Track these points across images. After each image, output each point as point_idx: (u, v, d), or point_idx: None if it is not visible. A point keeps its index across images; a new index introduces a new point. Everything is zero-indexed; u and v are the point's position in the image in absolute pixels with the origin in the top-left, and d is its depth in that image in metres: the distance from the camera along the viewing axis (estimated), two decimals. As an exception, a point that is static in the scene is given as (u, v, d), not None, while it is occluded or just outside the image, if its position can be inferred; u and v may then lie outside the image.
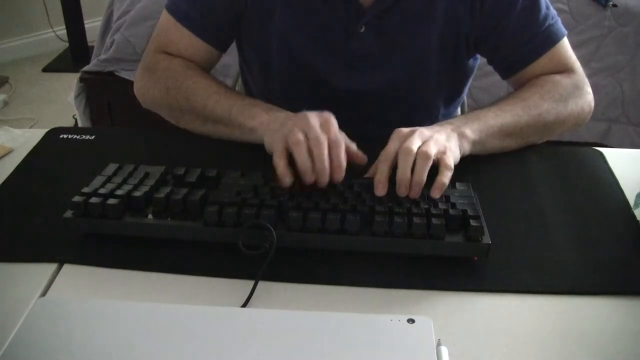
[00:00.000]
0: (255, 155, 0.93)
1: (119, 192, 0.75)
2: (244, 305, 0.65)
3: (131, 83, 1.06)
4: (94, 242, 0.74)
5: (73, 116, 2.41)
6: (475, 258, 0.71)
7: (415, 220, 0.71)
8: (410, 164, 0.74)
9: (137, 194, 0.75)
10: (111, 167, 0.81)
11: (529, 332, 0.63)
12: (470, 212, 0.72)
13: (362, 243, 0.71)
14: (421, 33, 0.97)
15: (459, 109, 1.26)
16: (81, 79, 2.05)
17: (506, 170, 0.90)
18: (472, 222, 0.71)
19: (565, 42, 0.99)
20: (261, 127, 0.87)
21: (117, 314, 0.58)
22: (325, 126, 0.77)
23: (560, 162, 0.92)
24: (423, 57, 1.00)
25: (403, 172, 0.74)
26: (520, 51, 0.98)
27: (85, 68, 2.06)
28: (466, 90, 1.16)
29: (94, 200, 0.73)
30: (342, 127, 1.04)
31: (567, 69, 0.99)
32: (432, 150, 0.76)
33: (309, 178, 0.75)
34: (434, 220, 0.71)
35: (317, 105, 1.05)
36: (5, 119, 2.60)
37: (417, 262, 0.71)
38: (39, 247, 0.73)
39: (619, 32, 1.87)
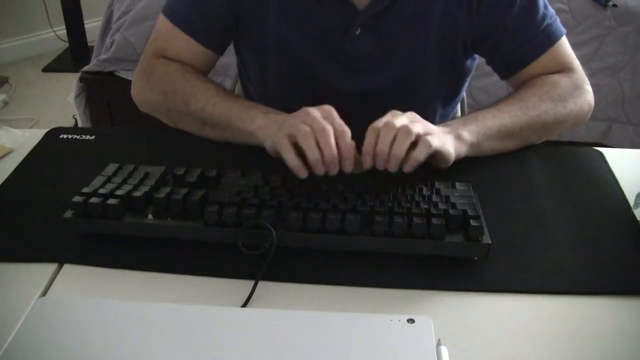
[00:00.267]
0: (255, 155, 0.93)
1: (119, 192, 0.75)
2: (244, 305, 0.65)
3: (131, 83, 1.06)
4: (94, 242, 0.74)
5: (73, 116, 2.41)
6: (475, 258, 0.71)
7: (415, 220, 0.71)
8: (391, 138, 0.75)
9: (137, 194, 0.75)
10: (111, 167, 0.81)
11: (529, 332, 0.63)
12: (470, 212, 0.72)
13: (362, 243, 0.71)
14: (417, 35, 0.97)
15: (458, 109, 1.26)
16: (81, 79, 2.05)
17: (506, 170, 0.90)
18: (472, 222, 0.71)
19: (564, 42, 0.99)
20: (260, 130, 0.87)
21: (117, 314, 0.58)
22: (328, 118, 0.78)
23: (560, 162, 0.92)
24: (420, 59, 0.99)
25: (382, 144, 0.75)
26: (519, 51, 0.98)
27: (85, 68, 2.06)
28: (464, 90, 1.15)
29: (94, 200, 0.73)
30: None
31: (566, 68, 0.99)
32: (416, 128, 0.76)
33: (319, 169, 0.76)
34: (434, 220, 0.71)
35: (312, 101, 1.05)
36: (5, 119, 2.60)
37: (417, 262, 0.71)
38: (39, 247, 0.73)
39: (619, 32, 1.87)
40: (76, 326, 0.56)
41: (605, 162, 0.92)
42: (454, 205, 0.74)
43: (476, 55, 1.07)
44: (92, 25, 3.01)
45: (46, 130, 0.99)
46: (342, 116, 0.99)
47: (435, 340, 0.55)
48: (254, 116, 0.89)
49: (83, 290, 0.68)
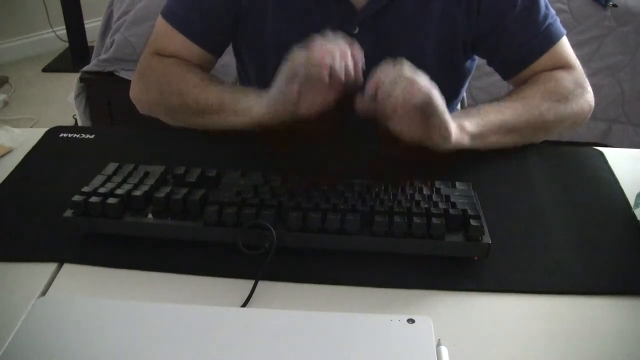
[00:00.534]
0: (255, 155, 0.93)
1: (118, 191, 0.75)
2: (244, 305, 0.65)
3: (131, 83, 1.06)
4: (94, 241, 0.74)
5: (73, 116, 2.41)
6: (475, 258, 0.71)
7: (415, 220, 0.71)
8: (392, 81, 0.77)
9: (137, 193, 0.75)
10: (111, 167, 0.81)
11: (529, 332, 0.63)
12: (470, 212, 0.72)
13: (362, 243, 0.71)
14: (416, 34, 0.97)
15: (458, 108, 1.26)
16: (81, 79, 2.05)
17: (506, 170, 0.90)
18: (472, 222, 0.71)
19: (564, 41, 0.99)
20: (258, 99, 0.89)
21: (117, 314, 0.58)
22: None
23: (560, 162, 0.92)
24: (419, 58, 0.99)
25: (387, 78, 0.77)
26: (520, 51, 0.98)
27: (85, 68, 2.06)
28: (464, 91, 1.15)
29: (93, 199, 0.73)
30: (334, 126, 1.04)
31: (567, 67, 0.99)
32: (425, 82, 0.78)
33: (342, 75, 0.78)
34: (434, 220, 0.71)
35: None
36: (5, 119, 2.60)
37: (417, 262, 0.71)
38: (38, 247, 0.73)
39: (619, 32, 1.87)
40: (76, 326, 0.56)
41: (605, 162, 0.92)
42: (454, 205, 0.74)
43: (476, 56, 1.07)
44: (92, 25, 3.01)
45: (46, 129, 0.99)
46: (340, 114, 0.99)
47: (435, 340, 0.55)
48: (249, 93, 0.91)
49: (83, 290, 0.68)
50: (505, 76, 1.04)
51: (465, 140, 0.85)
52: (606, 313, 0.66)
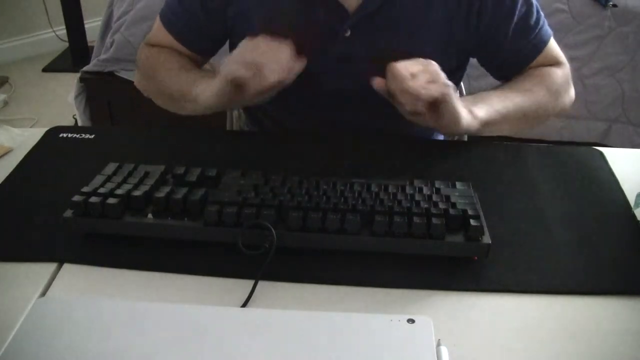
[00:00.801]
0: (255, 154, 0.93)
1: (118, 191, 0.75)
2: (244, 305, 0.65)
3: (131, 83, 1.07)
4: (94, 241, 0.74)
5: (73, 116, 2.41)
6: (475, 258, 0.71)
7: (415, 220, 0.71)
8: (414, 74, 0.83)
9: (137, 193, 0.75)
10: (111, 167, 0.81)
11: (529, 332, 0.63)
12: (470, 212, 0.72)
13: (362, 243, 0.71)
14: (409, 39, 0.97)
15: None
16: (81, 79, 2.05)
17: (506, 170, 0.90)
18: (472, 222, 0.71)
19: (553, 41, 1.03)
20: (206, 86, 0.90)
21: (117, 314, 0.58)
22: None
23: (560, 162, 0.92)
24: None
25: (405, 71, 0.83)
26: (518, 56, 1.01)
27: (85, 68, 2.06)
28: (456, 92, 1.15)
29: (93, 199, 0.73)
30: (331, 126, 1.05)
31: (558, 64, 1.03)
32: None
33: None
34: (434, 220, 0.71)
35: (306, 105, 1.05)
36: (5, 119, 2.60)
37: (417, 262, 0.71)
38: (39, 247, 0.73)
39: (619, 32, 1.87)
40: (76, 326, 0.56)
41: (605, 162, 0.92)
42: (454, 205, 0.74)
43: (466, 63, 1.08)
44: (92, 25, 3.01)
45: (46, 129, 0.99)
46: (333, 115, 0.99)
47: (435, 340, 0.55)
48: (199, 79, 0.94)
49: (83, 290, 0.68)
50: (500, 77, 1.07)
51: (474, 126, 0.88)
52: (606, 313, 0.66)
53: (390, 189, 0.77)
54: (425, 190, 0.77)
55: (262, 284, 0.67)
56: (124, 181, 0.78)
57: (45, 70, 3.16)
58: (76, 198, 0.74)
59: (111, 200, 0.73)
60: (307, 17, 0.96)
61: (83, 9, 3.07)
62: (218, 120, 1.42)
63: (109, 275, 0.70)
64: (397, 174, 0.81)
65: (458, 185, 0.79)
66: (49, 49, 3.28)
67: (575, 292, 0.68)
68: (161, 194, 0.74)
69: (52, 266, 0.71)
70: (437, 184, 0.79)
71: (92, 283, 0.69)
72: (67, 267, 0.71)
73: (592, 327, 0.64)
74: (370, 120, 1.05)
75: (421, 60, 0.85)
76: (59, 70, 3.13)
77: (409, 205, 0.73)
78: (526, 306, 0.66)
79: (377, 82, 0.87)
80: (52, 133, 0.98)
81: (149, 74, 1.03)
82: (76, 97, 2.07)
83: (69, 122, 2.44)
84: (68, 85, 2.32)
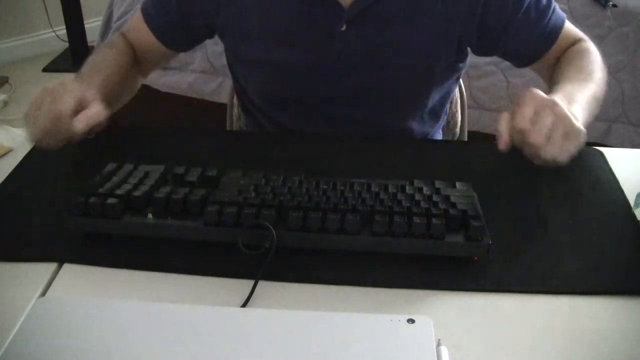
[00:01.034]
0: (255, 154, 0.93)
1: (118, 191, 0.75)
2: (244, 305, 0.65)
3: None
4: (94, 242, 0.74)
5: (73, 116, 2.41)
6: (476, 258, 0.71)
7: (415, 220, 0.71)
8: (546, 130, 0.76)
9: (137, 193, 0.75)
10: (111, 167, 0.81)
11: (529, 332, 0.63)
12: (470, 212, 0.72)
13: (362, 243, 0.71)
14: (405, 33, 0.97)
15: (458, 109, 1.26)
16: (81, 79, 2.04)
17: (506, 170, 0.90)
18: (473, 222, 0.71)
19: (568, 22, 1.03)
20: None
21: (117, 314, 0.58)
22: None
23: (560, 162, 0.92)
24: (406, 57, 0.99)
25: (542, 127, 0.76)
26: (535, 43, 1.01)
27: (85, 68, 2.05)
28: (455, 88, 1.14)
29: (93, 199, 0.73)
30: (328, 122, 1.04)
31: (578, 39, 1.03)
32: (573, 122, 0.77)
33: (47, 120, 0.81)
34: (434, 220, 0.71)
35: (303, 102, 1.05)
36: (5, 119, 2.60)
37: (417, 262, 0.71)
38: (39, 247, 0.73)
39: (619, 32, 1.87)
40: (76, 326, 0.56)
41: (605, 162, 0.92)
42: (454, 205, 0.74)
43: (468, 57, 1.07)
44: (92, 25, 3.01)
45: (46, 130, 0.99)
46: (329, 112, 0.98)
47: (435, 340, 0.55)
48: None
49: (83, 290, 0.68)
50: (521, 65, 1.06)
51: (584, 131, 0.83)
52: (606, 313, 0.66)
53: (390, 189, 0.77)
54: (425, 190, 0.77)
55: (262, 284, 0.67)
56: (124, 181, 0.78)
57: (45, 70, 3.16)
58: (76, 198, 0.74)
59: (111, 201, 0.73)
60: (304, 13, 0.96)
61: (83, 9, 3.07)
62: (218, 120, 1.42)
63: (109, 275, 0.70)
64: (397, 174, 0.81)
65: (458, 185, 0.79)
66: (49, 49, 3.28)
67: (575, 292, 0.68)
68: (161, 194, 0.74)
69: (52, 266, 0.71)
70: (437, 184, 0.79)
71: (92, 283, 0.69)
72: (67, 267, 0.71)
73: (592, 327, 0.64)
74: (368, 116, 1.05)
75: (540, 99, 0.78)
76: (59, 70, 3.13)
77: (409, 205, 0.73)
78: (526, 306, 0.66)
79: (502, 144, 0.79)
80: (52, 133, 0.98)
81: (91, 64, 1.01)
82: (76, 97, 2.06)
83: (69, 122, 2.44)
84: (68, 85, 2.31)
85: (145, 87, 1.59)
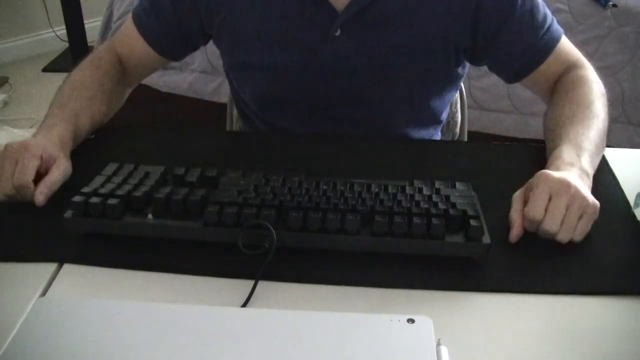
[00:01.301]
0: (255, 155, 0.93)
1: (118, 192, 0.75)
2: (244, 305, 0.65)
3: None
4: (94, 242, 0.74)
5: (73, 116, 2.41)
6: (476, 258, 0.71)
7: (415, 220, 0.71)
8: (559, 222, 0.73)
9: (137, 193, 0.75)
10: (111, 167, 0.81)
11: (529, 332, 0.63)
12: (470, 212, 0.72)
13: (362, 243, 0.71)
14: (400, 38, 0.96)
15: (458, 110, 1.25)
16: (81, 79, 2.04)
17: (506, 170, 0.90)
18: (472, 222, 0.71)
19: (565, 38, 1.00)
20: None
21: (117, 314, 0.58)
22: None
23: (560, 162, 0.91)
24: (402, 62, 0.99)
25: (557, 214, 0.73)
26: (527, 55, 0.98)
27: (85, 68, 2.05)
28: (454, 93, 1.13)
29: (94, 200, 0.73)
30: (322, 127, 1.04)
31: (575, 63, 1.00)
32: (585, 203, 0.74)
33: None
34: (434, 220, 0.71)
35: (295, 105, 1.05)
36: (5, 119, 2.60)
37: (417, 262, 0.71)
38: (39, 247, 0.73)
39: (619, 32, 1.87)
40: (76, 326, 0.56)
41: (606, 162, 0.92)
42: (454, 205, 0.74)
43: (466, 63, 1.06)
44: (92, 25, 3.01)
45: (46, 130, 0.99)
46: (322, 114, 0.97)
47: (435, 340, 0.55)
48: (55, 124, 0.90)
49: (83, 290, 0.68)
50: (512, 80, 1.04)
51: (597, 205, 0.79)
52: (606, 313, 0.66)
53: (390, 189, 0.77)
54: (425, 191, 0.77)
55: (262, 284, 0.67)
56: (124, 181, 0.78)
57: (45, 70, 3.16)
58: (76, 198, 0.74)
59: (111, 201, 0.73)
60: (298, 17, 0.96)
61: (83, 9, 3.07)
62: (218, 120, 1.42)
63: (109, 275, 0.70)
64: (397, 174, 0.81)
65: (458, 185, 0.79)
66: (49, 49, 3.28)
67: (575, 292, 0.68)
68: (161, 194, 0.74)
69: (52, 266, 0.71)
70: (437, 184, 0.79)
71: (92, 283, 0.69)
72: (67, 267, 0.71)
73: (592, 327, 0.64)
74: (364, 119, 1.04)
75: (552, 183, 0.74)
76: (59, 70, 3.12)
77: (408, 205, 0.73)
78: (526, 306, 0.66)
79: (514, 237, 0.75)
80: (52, 133, 0.98)
81: (71, 82, 0.99)
82: (76, 97, 2.06)
83: (69, 122, 2.44)
84: (68, 85, 2.31)
85: (145, 87, 1.59)
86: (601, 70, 1.00)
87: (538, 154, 0.93)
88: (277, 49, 0.99)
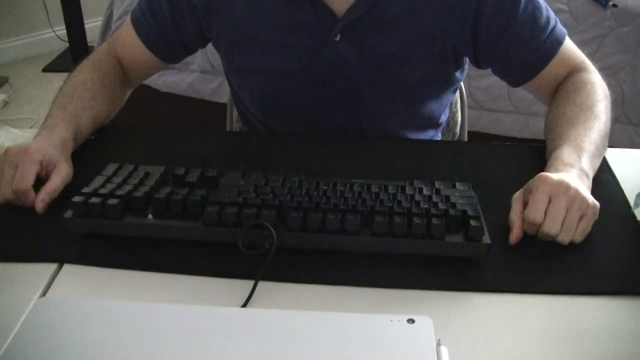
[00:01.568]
0: (255, 155, 0.93)
1: (119, 192, 0.75)
2: (244, 305, 0.65)
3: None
4: (94, 242, 0.74)
5: (73, 116, 2.41)
6: (475, 258, 0.71)
7: (415, 220, 0.71)
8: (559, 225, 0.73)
9: (137, 194, 0.75)
10: (111, 167, 0.81)
11: (529, 332, 0.63)
12: (470, 212, 0.72)
13: (362, 243, 0.71)
14: (400, 42, 0.96)
15: (445, 115, 1.25)
16: (81, 79, 2.04)
17: (506, 170, 0.90)
18: (472, 222, 0.71)
19: (569, 41, 0.99)
20: None
21: (117, 314, 0.58)
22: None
23: (560, 162, 0.91)
24: (402, 66, 0.98)
25: (556, 216, 0.73)
26: (530, 58, 0.97)
27: (85, 68, 2.05)
28: (452, 97, 1.13)
29: (94, 200, 0.73)
30: (321, 130, 1.04)
31: (578, 66, 0.99)
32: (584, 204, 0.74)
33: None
34: (434, 220, 0.71)
35: (295, 109, 1.05)
36: (5, 119, 2.60)
37: (417, 262, 0.71)
38: (39, 247, 0.73)
39: (619, 32, 1.87)
40: (76, 326, 0.56)
41: (606, 162, 0.92)
42: (454, 205, 0.74)
43: (466, 66, 1.06)
44: (92, 25, 3.00)
45: (46, 130, 0.99)
46: (321, 117, 0.97)
47: (435, 340, 0.55)
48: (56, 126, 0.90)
49: (83, 290, 0.68)
50: (515, 84, 1.03)
51: (589, 186, 0.81)
52: (606, 313, 0.66)
53: (390, 190, 0.77)
54: (425, 191, 0.77)
55: (262, 284, 0.67)
56: (124, 182, 0.78)
57: (45, 70, 3.16)
58: (76, 198, 0.74)
59: (111, 201, 0.73)
60: (297, 21, 0.96)
61: (83, 9, 3.07)
62: (218, 120, 1.42)
63: (109, 275, 0.70)
64: (397, 174, 0.81)
65: (458, 185, 0.79)
66: (49, 49, 3.28)
67: (575, 292, 0.68)
68: (161, 194, 0.74)
69: (52, 266, 0.71)
70: (437, 184, 0.79)
71: (92, 283, 0.69)
72: (67, 267, 0.71)
73: (592, 327, 0.64)
74: (364, 123, 1.04)
75: (552, 186, 0.74)
76: (59, 70, 3.13)
77: (408, 205, 0.73)
78: (526, 306, 0.66)
79: (514, 238, 0.74)
80: (52, 133, 0.98)
81: (72, 83, 0.99)
82: (76, 97, 2.06)
83: (69, 122, 2.44)
84: (68, 85, 2.31)
85: (145, 87, 1.59)
86: (601, 70, 1.00)
87: (538, 154, 0.93)
88: (277, 53, 0.99)
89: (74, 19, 3.06)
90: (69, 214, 0.74)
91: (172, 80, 2.05)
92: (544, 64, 0.97)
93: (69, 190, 0.81)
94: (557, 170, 0.79)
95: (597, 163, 0.87)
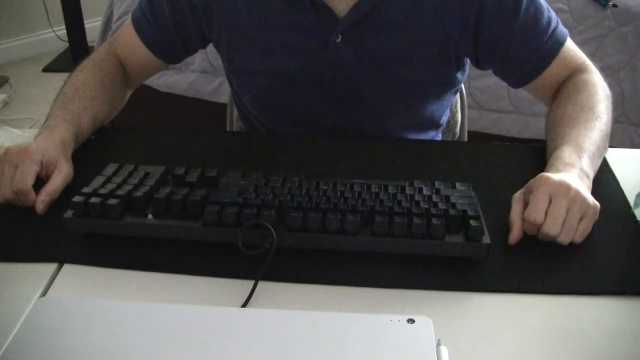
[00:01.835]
0: (255, 155, 0.93)
1: (119, 192, 0.75)
2: (244, 305, 0.65)
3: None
4: (94, 242, 0.74)
5: (73, 116, 2.41)
6: (476, 258, 0.71)
7: (415, 220, 0.71)
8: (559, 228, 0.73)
9: (137, 194, 0.75)
10: (111, 167, 0.81)
11: (529, 332, 0.63)
12: (470, 212, 0.72)
13: (362, 243, 0.71)
14: (401, 44, 0.96)
15: (446, 115, 1.25)
16: (81, 79, 2.04)
17: (506, 170, 0.90)
18: (472, 222, 0.71)
19: (570, 41, 0.99)
20: None
21: (117, 314, 0.58)
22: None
23: (560, 162, 0.91)
24: (402, 67, 0.98)
25: (557, 215, 0.72)
26: (532, 59, 0.97)
27: (85, 68, 2.05)
28: (452, 97, 1.13)
29: (94, 200, 0.73)
30: (322, 131, 1.04)
31: (579, 67, 0.99)
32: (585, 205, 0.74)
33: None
34: (434, 220, 0.71)
35: (295, 109, 1.05)
36: (5, 119, 2.60)
37: (417, 262, 0.71)
38: (39, 247, 0.73)
39: (619, 32, 1.87)
40: (76, 326, 0.56)
41: (606, 162, 0.92)
42: (454, 205, 0.74)
43: (467, 67, 1.06)
44: (92, 25, 3.01)
45: (46, 130, 0.99)
46: (322, 118, 0.96)
47: (435, 340, 0.55)
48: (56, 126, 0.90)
49: (83, 290, 0.68)
50: (516, 85, 1.03)
51: (589, 187, 0.81)
52: (606, 313, 0.66)
53: (390, 190, 0.77)
54: (425, 191, 0.77)
55: (262, 284, 0.67)
56: (124, 182, 0.78)
57: (45, 70, 3.16)
58: (76, 198, 0.74)
59: (111, 201, 0.73)
60: (298, 22, 0.96)
61: (83, 9, 3.07)
62: (218, 120, 1.42)
63: (109, 275, 0.70)
64: (397, 174, 0.81)
65: (458, 185, 0.79)
66: (49, 49, 3.28)
67: (575, 292, 0.68)
68: (161, 194, 0.74)
69: (52, 266, 0.71)
70: (437, 184, 0.79)
71: (92, 283, 0.69)
72: (67, 267, 0.71)
73: (592, 327, 0.64)
74: (364, 124, 1.04)
75: (552, 186, 0.74)
76: (59, 70, 3.12)
77: (408, 205, 0.73)
78: (526, 306, 0.66)
79: (513, 239, 0.74)
80: (52, 133, 0.98)
81: (73, 83, 0.99)
82: (76, 97, 2.06)
83: (69, 122, 2.44)
84: (68, 85, 2.31)
85: (145, 87, 1.59)
86: (601, 70, 1.00)
87: (538, 154, 0.93)
88: (277, 54, 0.99)
89: (74, 19, 3.06)
90: (69, 214, 0.74)
91: (172, 80, 2.05)
92: (545, 65, 0.97)
93: (69, 190, 0.81)
94: (557, 170, 0.79)
95: (598, 163, 0.87)
